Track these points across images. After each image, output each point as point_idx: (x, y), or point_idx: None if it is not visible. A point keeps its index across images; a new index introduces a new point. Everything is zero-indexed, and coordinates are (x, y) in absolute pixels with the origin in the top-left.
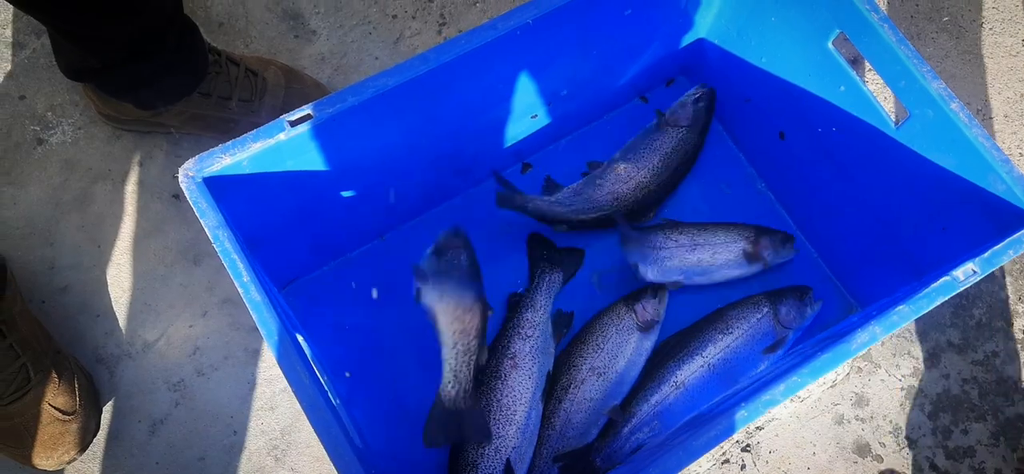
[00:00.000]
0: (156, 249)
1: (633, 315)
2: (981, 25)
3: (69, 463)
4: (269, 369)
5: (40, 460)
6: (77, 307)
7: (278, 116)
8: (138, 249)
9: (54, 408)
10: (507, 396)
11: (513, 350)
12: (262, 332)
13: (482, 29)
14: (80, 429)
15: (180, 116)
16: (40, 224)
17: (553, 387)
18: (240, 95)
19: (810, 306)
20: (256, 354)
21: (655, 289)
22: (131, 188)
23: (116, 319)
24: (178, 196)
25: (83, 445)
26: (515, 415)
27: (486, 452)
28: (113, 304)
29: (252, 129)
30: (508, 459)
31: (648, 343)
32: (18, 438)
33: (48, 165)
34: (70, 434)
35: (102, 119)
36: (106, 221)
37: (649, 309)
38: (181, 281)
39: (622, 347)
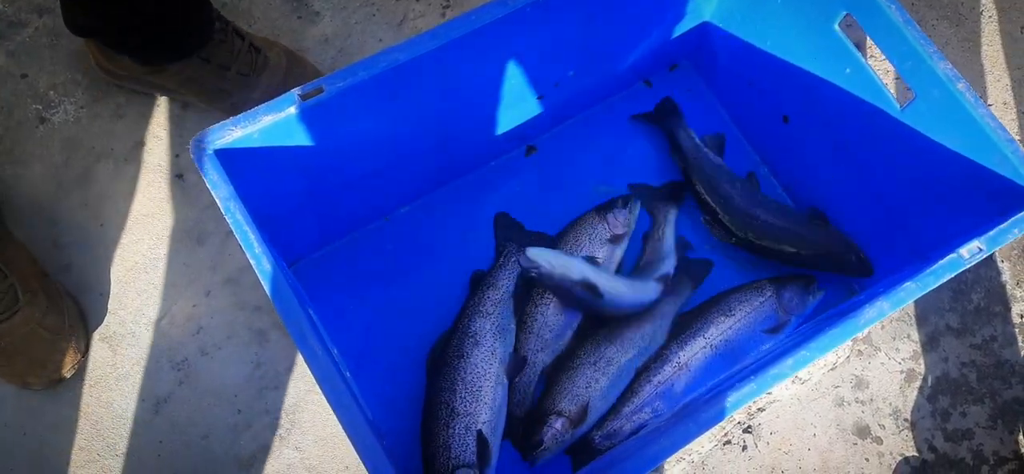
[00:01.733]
0: (159, 228)
1: (605, 225)
2: (980, 12)
3: (58, 382)
4: (273, 348)
5: (31, 378)
6: (80, 285)
7: (274, 96)
8: (141, 228)
9: (43, 328)
10: (471, 374)
11: (474, 328)
12: (274, 303)
13: (492, 5)
14: (70, 348)
15: (177, 77)
16: (43, 202)
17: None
18: (239, 68)
19: (813, 294)
20: (260, 333)
21: (625, 200)
22: (134, 167)
23: (119, 297)
24: (182, 176)
25: (73, 364)
26: (481, 392)
27: (457, 430)
28: (116, 283)
29: (245, 103)
30: (479, 432)
31: (618, 253)
32: (8, 358)
33: (50, 144)
34: (59, 352)
35: (102, 74)
36: (109, 200)
37: (620, 220)
38: (184, 260)
39: (593, 256)
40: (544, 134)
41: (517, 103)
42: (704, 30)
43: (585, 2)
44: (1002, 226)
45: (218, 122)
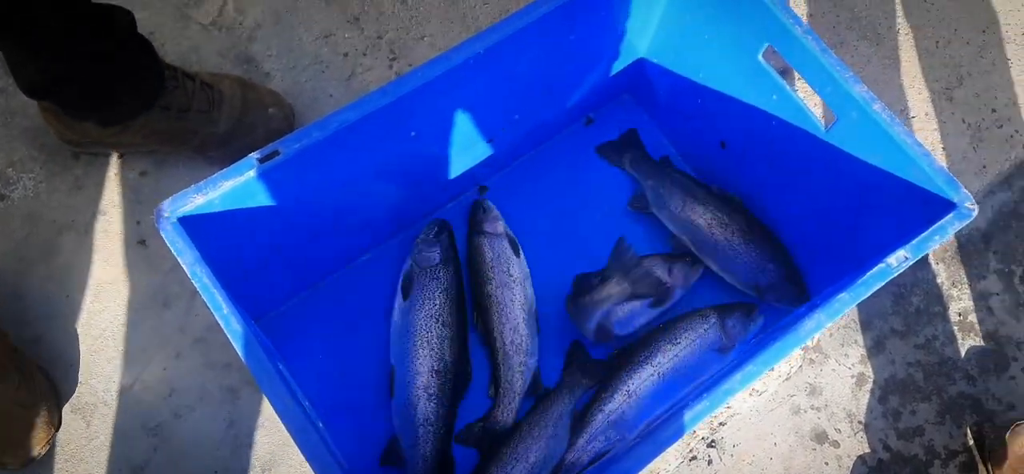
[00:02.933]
0: (125, 295)
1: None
2: (897, 31)
3: (35, 459)
4: (245, 404)
5: (7, 458)
6: (50, 358)
7: (237, 126)
8: (107, 296)
9: (17, 406)
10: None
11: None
12: (245, 360)
13: (437, 61)
14: (44, 423)
15: (141, 131)
16: (7, 279)
17: None
18: (198, 107)
19: (754, 321)
20: (232, 391)
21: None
22: (96, 237)
23: (89, 367)
24: (144, 242)
25: (47, 440)
26: None
27: None
28: (85, 352)
29: (212, 138)
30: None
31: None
32: None
33: (11, 221)
34: (34, 429)
35: (65, 143)
36: (73, 271)
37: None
38: (152, 325)
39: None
40: (495, 174)
41: (468, 148)
42: (640, 66)
43: (525, 50)
44: (924, 234)
45: (175, 186)
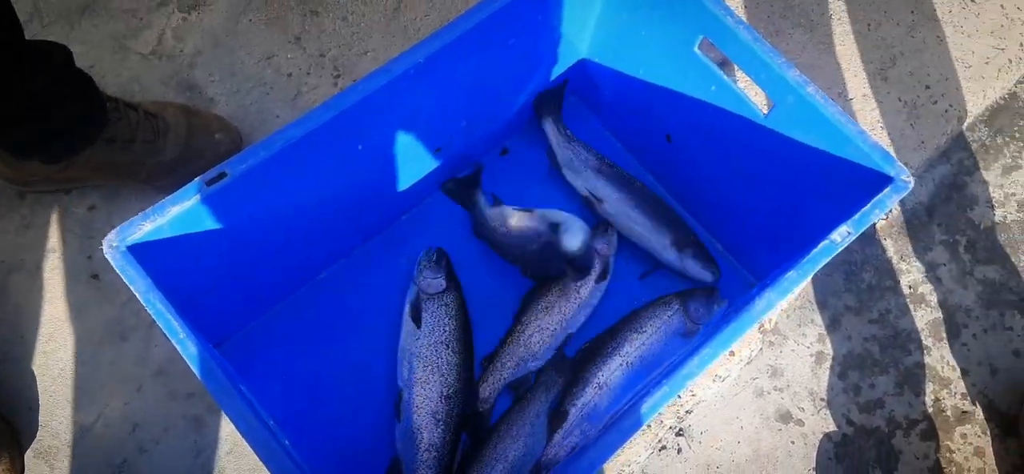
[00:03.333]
0: (81, 331)
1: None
2: (830, 16)
3: None
4: (211, 432)
5: None
6: (9, 404)
7: (184, 153)
8: (63, 334)
9: None
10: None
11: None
12: (203, 381)
13: (378, 73)
14: (5, 471)
15: (87, 165)
16: None
17: None
18: (143, 137)
19: (717, 303)
20: (197, 420)
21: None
22: (47, 275)
23: (50, 409)
24: (97, 276)
25: None
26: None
27: None
28: (44, 394)
29: (159, 167)
30: None
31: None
32: None
33: None
34: None
35: (11, 187)
36: (26, 311)
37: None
38: (111, 359)
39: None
40: (447, 180)
41: (416, 159)
42: (582, 66)
43: (466, 57)
44: (864, 209)
45: (126, 219)
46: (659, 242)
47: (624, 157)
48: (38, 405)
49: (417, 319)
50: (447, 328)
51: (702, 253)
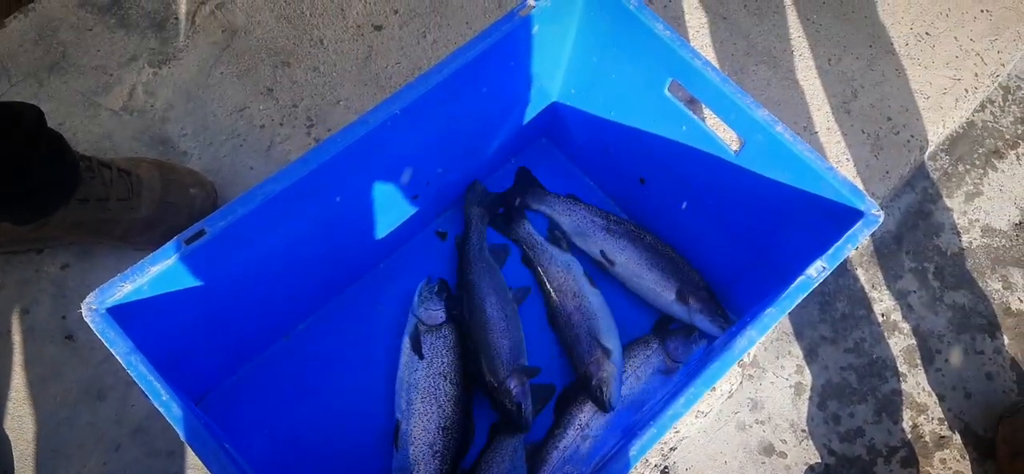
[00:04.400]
0: (56, 392)
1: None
2: (792, 53)
3: None
4: None
5: None
6: None
7: (159, 209)
8: (38, 396)
9: None
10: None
11: None
12: (190, 445)
13: (356, 125)
14: None
15: (61, 225)
16: None
17: None
18: (117, 195)
19: (695, 342)
20: None
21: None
22: (20, 338)
23: (26, 472)
24: (71, 336)
25: None
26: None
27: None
28: (19, 459)
29: (133, 225)
30: None
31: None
32: None
33: None
34: None
35: None
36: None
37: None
38: (88, 419)
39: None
40: (425, 228)
41: (394, 207)
42: (554, 109)
43: (441, 107)
44: (838, 243)
45: (101, 277)
46: (666, 298)
47: (598, 195)
48: (13, 469)
49: (418, 350)
50: (445, 360)
51: (710, 307)
